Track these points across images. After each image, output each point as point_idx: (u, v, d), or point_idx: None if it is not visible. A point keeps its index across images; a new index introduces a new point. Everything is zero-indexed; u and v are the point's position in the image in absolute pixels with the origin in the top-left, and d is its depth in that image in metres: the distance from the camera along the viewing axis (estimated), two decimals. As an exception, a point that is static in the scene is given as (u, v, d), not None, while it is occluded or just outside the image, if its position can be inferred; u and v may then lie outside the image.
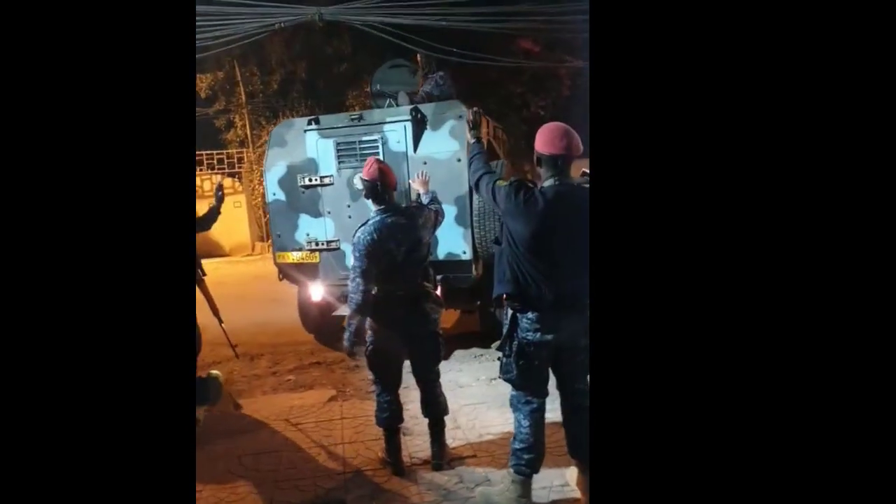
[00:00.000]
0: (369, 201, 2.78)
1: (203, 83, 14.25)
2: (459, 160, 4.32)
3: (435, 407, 2.91)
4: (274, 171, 4.95)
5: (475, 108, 3.78)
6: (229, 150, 14.84)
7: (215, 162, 14.59)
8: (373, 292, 2.71)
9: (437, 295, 2.93)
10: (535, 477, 2.43)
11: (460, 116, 4.45)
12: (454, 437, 3.16)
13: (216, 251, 13.31)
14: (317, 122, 4.81)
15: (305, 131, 4.81)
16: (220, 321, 4.05)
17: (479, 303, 4.89)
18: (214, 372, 1.88)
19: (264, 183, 5.14)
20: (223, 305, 4.00)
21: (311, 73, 13.85)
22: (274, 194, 4.97)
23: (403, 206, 2.95)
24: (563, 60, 12.88)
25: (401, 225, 2.71)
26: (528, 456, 2.38)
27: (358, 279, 2.65)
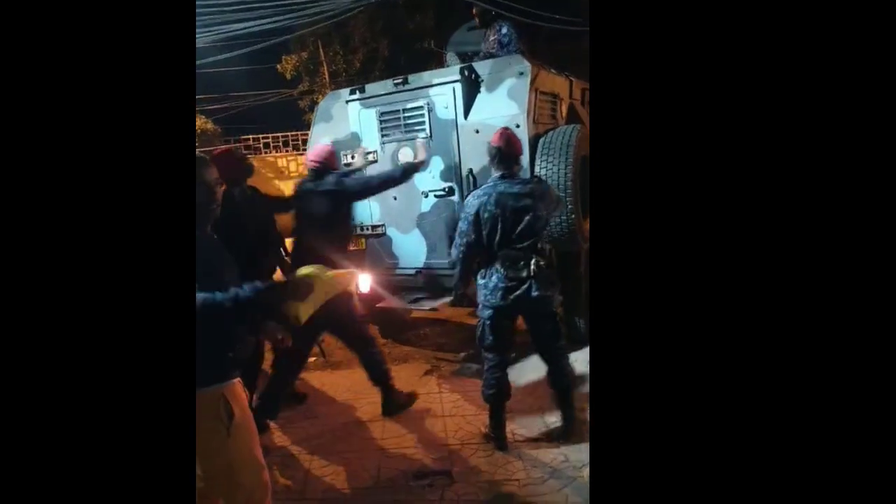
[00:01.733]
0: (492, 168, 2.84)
1: (288, 65, 14.32)
2: (518, 126, 3.56)
3: (561, 379, 2.94)
4: (318, 147, 4.46)
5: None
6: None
7: (300, 143, 14.63)
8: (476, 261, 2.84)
9: (552, 272, 2.88)
10: None
11: (521, 73, 3.68)
12: (556, 417, 3.07)
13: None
14: (361, 90, 4.24)
15: (348, 102, 4.26)
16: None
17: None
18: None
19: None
20: None
21: (393, 50, 13.46)
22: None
23: (527, 177, 2.96)
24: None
25: (513, 194, 2.70)
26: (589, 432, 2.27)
27: (461, 245, 2.81)
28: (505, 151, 2.76)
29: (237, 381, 1.75)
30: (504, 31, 4.51)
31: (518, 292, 2.72)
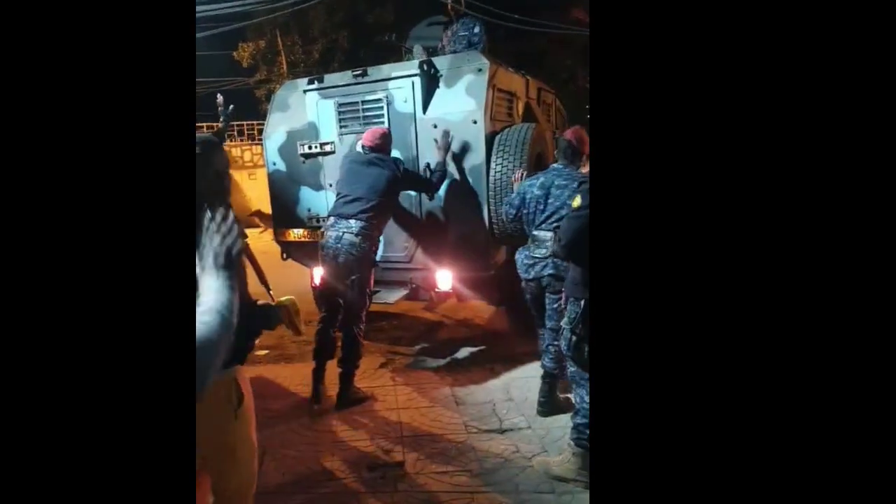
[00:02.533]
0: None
1: (245, 52, 14.01)
2: (475, 122, 3.61)
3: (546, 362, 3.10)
4: (274, 138, 4.40)
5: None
6: (270, 122, 14.51)
7: (256, 133, 14.33)
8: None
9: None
10: None
11: (480, 70, 3.72)
12: (507, 408, 3.22)
13: (254, 222, 13.07)
14: (319, 80, 4.20)
15: (305, 91, 4.20)
16: (269, 289, 3.91)
17: (501, 296, 4.23)
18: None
19: (264, 152, 4.60)
20: (270, 273, 3.94)
21: (352, 43, 13.33)
22: (274, 164, 4.43)
23: (580, 173, 3.00)
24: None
25: (558, 184, 2.90)
26: (589, 432, 2.40)
27: (502, 214, 3.22)
28: (573, 146, 2.96)
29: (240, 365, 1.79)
30: (476, 30, 4.56)
31: (537, 268, 2.97)
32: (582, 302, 2.33)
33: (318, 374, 3.40)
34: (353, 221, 3.29)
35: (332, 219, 3.42)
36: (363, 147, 3.50)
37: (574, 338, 2.38)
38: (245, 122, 14.07)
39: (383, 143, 3.49)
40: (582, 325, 2.34)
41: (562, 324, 2.47)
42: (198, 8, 10.24)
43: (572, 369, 2.50)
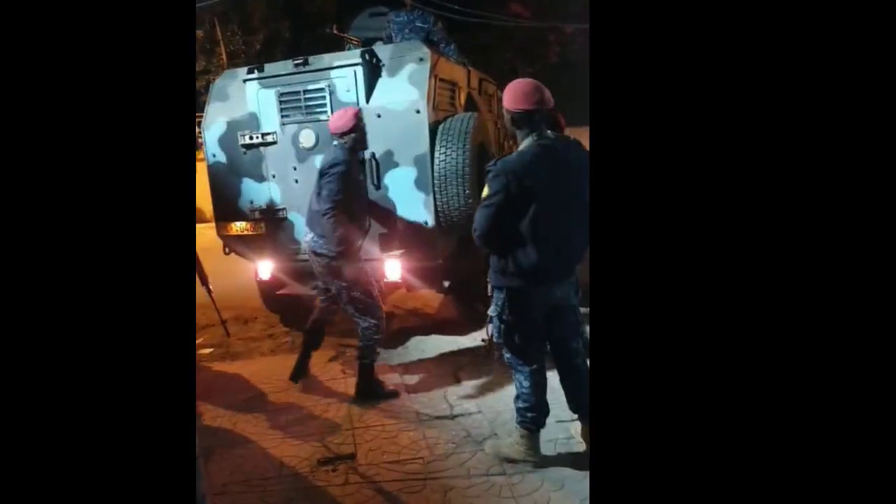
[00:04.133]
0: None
1: (182, 43, 13.49)
2: (419, 111, 3.59)
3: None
4: (213, 128, 4.25)
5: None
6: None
7: (196, 125, 13.85)
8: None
9: None
10: (542, 431, 2.50)
11: (421, 59, 3.71)
12: (457, 394, 3.25)
13: (199, 217, 12.64)
14: (260, 69, 4.08)
15: (245, 81, 4.08)
16: (209, 290, 4.15)
17: (447, 284, 4.24)
18: None
19: (203, 143, 4.45)
20: (212, 270, 4.06)
21: (295, 33, 13.04)
22: (214, 156, 4.28)
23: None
24: (551, 26, 12.72)
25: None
26: (531, 414, 2.45)
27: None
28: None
29: None
30: (436, 25, 4.56)
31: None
32: (504, 290, 2.34)
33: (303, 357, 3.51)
34: None
35: None
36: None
37: (502, 325, 2.39)
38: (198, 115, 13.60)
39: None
40: (509, 313, 2.35)
41: (489, 312, 2.47)
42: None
43: (507, 356, 2.49)
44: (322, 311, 3.54)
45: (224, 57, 13.33)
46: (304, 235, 3.33)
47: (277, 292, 4.33)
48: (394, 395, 3.29)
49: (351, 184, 3.15)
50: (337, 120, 3.19)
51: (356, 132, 3.18)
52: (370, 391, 3.28)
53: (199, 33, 13.42)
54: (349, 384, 3.48)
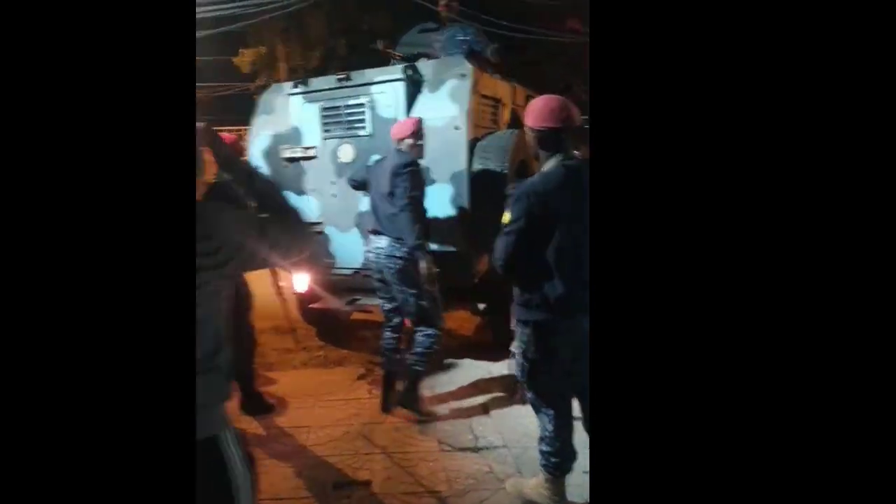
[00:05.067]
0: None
1: (245, 59, 13.99)
2: (458, 127, 3.51)
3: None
4: (258, 141, 4.32)
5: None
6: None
7: (252, 139, 14.30)
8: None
9: None
10: (569, 475, 2.33)
11: (463, 75, 3.63)
12: (483, 425, 3.09)
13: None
14: (304, 83, 4.12)
15: (289, 95, 4.12)
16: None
17: (483, 307, 4.10)
18: None
19: (249, 156, 4.51)
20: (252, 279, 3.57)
21: (350, 49, 13.30)
22: (258, 168, 4.33)
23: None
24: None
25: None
26: (555, 459, 2.27)
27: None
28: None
29: None
30: (478, 36, 4.48)
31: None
32: (530, 325, 2.17)
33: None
34: None
35: None
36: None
37: (526, 364, 2.21)
38: (244, 127, 14.04)
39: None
40: (535, 350, 2.17)
41: (512, 348, 2.31)
42: (198, 10, 10.26)
43: (530, 395, 2.31)
44: (391, 338, 3.39)
45: (283, 72, 13.74)
46: (371, 244, 3.24)
47: (311, 305, 4.31)
48: (431, 418, 3.18)
49: (421, 184, 3.14)
50: (400, 126, 3.19)
51: (417, 139, 3.15)
52: (411, 403, 3.19)
53: (262, 49, 13.90)
54: (373, 405, 3.39)
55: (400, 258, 3.07)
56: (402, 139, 3.11)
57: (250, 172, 1.43)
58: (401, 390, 3.23)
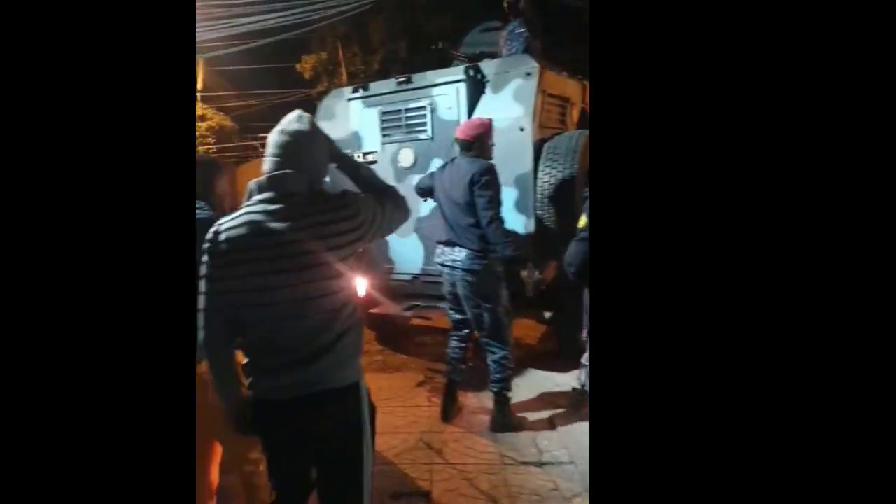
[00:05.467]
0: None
1: (307, 64, 14.31)
2: (522, 129, 3.39)
3: None
4: (319, 146, 4.33)
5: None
6: (330, 134, 14.70)
7: (317, 144, 14.58)
8: None
9: None
10: None
11: (528, 74, 3.51)
12: (548, 440, 2.96)
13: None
14: (364, 88, 4.10)
15: (349, 100, 4.12)
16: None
17: (550, 315, 3.95)
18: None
19: (309, 159, 4.53)
20: None
21: (411, 52, 13.37)
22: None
23: None
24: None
25: None
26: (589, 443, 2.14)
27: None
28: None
29: None
30: (517, 22, 4.30)
31: None
32: None
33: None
34: None
35: None
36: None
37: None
38: (306, 132, 14.36)
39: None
40: None
41: (582, 360, 2.17)
42: (262, 17, 10.56)
43: None
44: (458, 348, 3.28)
45: (345, 77, 13.97)
46: (444, 256, 3.05)
47: (370, 310, 4.29)
48: (525, 425, 3.08)
49: (500, 190, 2.93)
50: (468, 126, 2.99)
51: (486, 141, 2.96)
52: (507, 427, 3.06)
53: (323, 55, 14.18)
54: (433, 413, 3.31)
55: (479, 272, 2.90)
56: (471, 141, 2.92)
57: (355, 163, 1.67)
58: (493, 418, 3.09)
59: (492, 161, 2.94)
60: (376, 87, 4.06)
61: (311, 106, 14.93)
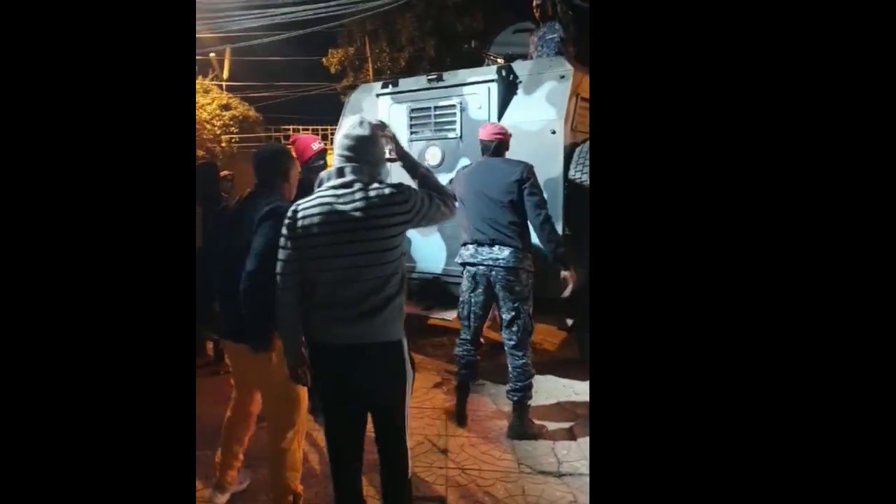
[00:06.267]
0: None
1: (334, 59, 14.34)
2: (554, 132, 3.33)
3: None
4: (346, 140, 4.30)
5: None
6: (354, 128, 14.72)
7: (331, 136, 14.60)
8: None
9: None
10: None
11: (562, 77, 3.45)
12: (568, 449, 2.92)
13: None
14: (394, 84, 4.07)
15: (378, 96, 4.09)
16: None
17: (572, 322, 3.88)
18: None
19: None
20: None
21: (439, 51, 13.32)
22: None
23: None
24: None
25: None
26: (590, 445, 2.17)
27: None
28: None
29: None
30: (566, 29, 4.23)
31: None
32: None
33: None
34: None
35: None
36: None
37: None
38: (330, 127, 14.37)
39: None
40: None
41: None
42: (291, 10, 10.59)
43: None
44: (471, 352, 3.22)
45: (371, 72, 13.96)
46: (483, 254, 2.99)
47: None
48: (544, 433, 3.06)
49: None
50: (494, 127, 3.14)
51: (508, 144, 3.09)
52: (526, 435, 3.01)
53: (351, 49, 14.20)
54: (450, 416, 3.26)
55: (519, 270, 2.92)
56: (500, 142, 3.04)
57: (415, 163, 1.93)
58: (511, 425, 3.04)
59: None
60: (406, 83, 4.03)
61: (335, 99, 14.93)
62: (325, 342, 1.78)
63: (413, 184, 1.85)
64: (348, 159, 1.77)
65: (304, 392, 2.17)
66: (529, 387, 2.99)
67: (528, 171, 2.90)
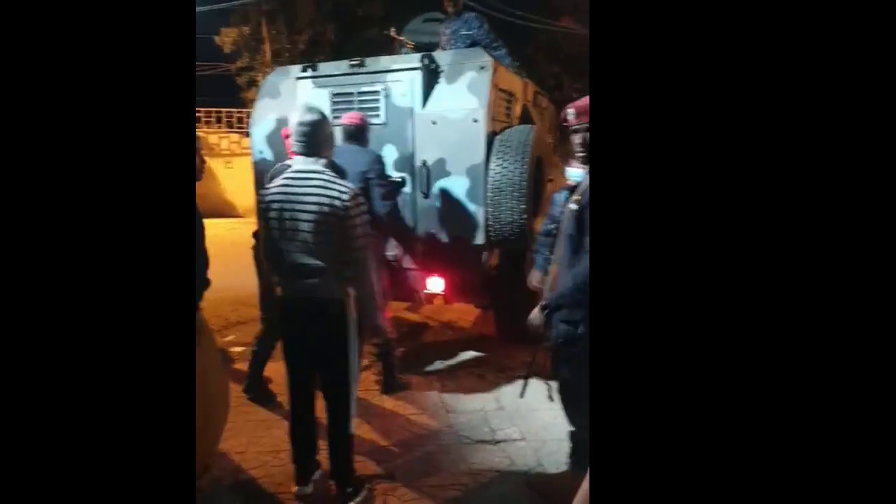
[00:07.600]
0: None
1: (228, 38, 13.65)
2: (476, 120, 3.48)
3: None
4: (262, 125, 4.20)
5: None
6: (249, 110, 14.17)
7: (234, 121, 13.95)
8: None
9: None
10: None
11: (482, 68, 3.60)
12: (500, 419, 3.11)
13: (229, 211, 12.64)
14: (313, 68, 4.02)
15: (298, 79, 4.02)
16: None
17: (490, 301, 4.09)
18: None
19: (250, 139, 4.40)
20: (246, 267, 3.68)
21: (340, 36, 13.10)
22: (261, 152, 4.23)
23: None
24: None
25: None
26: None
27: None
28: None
29: None
30: (482, 27, 4.43)
31: None
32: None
33: None
34: None
35: None
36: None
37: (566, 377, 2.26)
38: (224, 110, 13.67)
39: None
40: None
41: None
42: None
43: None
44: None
45: (268, 54, 13.45)
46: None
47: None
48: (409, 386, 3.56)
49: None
50: (355, 115, 3.36)
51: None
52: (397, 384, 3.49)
53: (246, 30, 13.57)
54: (385, 396, 3.36)
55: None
56: (350, 125, 3.26)
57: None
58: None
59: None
60: (326, 67, 4.00)
61: (231, 80, 14.15)
62: (288, 295, 2.22)
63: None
64: (303, 146, 2.10)
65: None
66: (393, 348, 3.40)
67: (374, 160, 3.09)
